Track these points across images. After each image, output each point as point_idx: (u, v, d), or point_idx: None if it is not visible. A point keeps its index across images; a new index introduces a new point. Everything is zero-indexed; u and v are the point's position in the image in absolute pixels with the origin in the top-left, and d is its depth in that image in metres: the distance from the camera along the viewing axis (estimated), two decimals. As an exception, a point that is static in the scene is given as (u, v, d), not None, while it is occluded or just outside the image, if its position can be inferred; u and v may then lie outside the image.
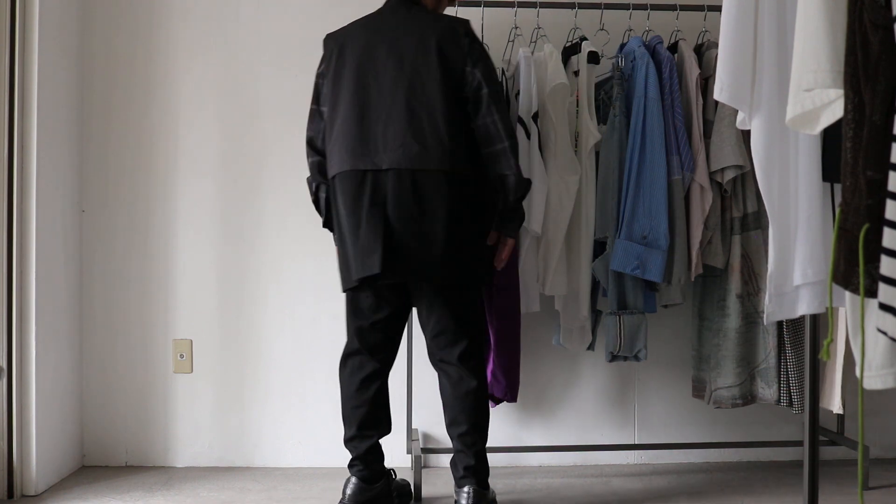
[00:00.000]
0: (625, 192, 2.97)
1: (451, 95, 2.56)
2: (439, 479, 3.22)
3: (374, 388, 2.72)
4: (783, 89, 1.93)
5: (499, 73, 3.08)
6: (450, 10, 3.14)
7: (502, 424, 3.43)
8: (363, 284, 2.58)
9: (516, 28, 3.18)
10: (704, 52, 3.14)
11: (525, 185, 2.63)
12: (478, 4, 3.15)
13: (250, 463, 3.41)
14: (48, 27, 3.05)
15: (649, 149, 2.97)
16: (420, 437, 3.35)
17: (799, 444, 3.02)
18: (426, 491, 3.04)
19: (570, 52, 3.17)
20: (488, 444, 3.37)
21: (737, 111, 2.20)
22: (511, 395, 3.06)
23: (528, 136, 2.98)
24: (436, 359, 2.72)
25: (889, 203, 1.45)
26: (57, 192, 3.16)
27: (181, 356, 3.40)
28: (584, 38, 3.12)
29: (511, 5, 3.14)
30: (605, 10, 3.20)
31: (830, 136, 1.91)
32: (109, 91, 3.40)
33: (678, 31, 3.20)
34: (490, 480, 3.20)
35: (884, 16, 1.49)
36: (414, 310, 3.21)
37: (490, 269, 2.74)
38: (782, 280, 2.10)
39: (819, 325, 2.39)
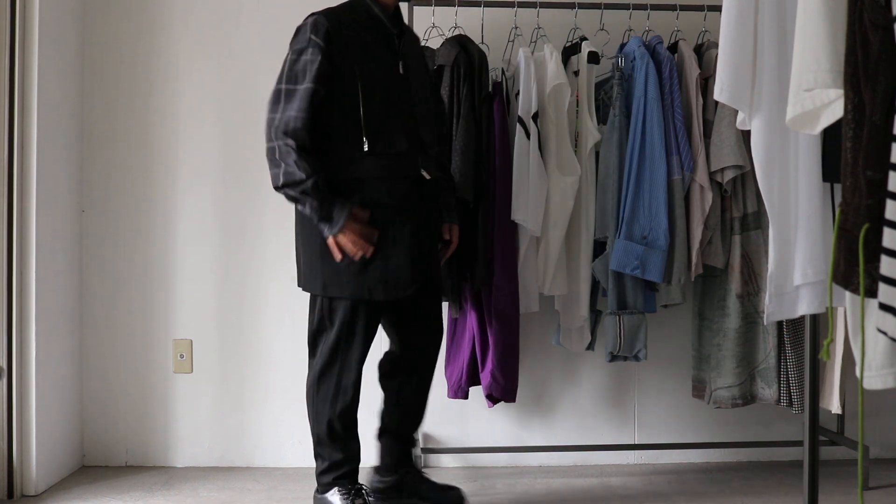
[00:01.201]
0: (625, 192, 2.97)
1: None
2: (439, 478, 3.22)
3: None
4: (783, 89, 1.93)
5: (499, 72, 3.09)
6: (449, 11, 3.15)
7: (502, 424, 3.43)
8: None
9: (516, 28, 3.18)
10: (704, 52, 3.14)
11: (280, 188, 2.51)
12: (478, 4, 3.15)
13: (250, 463, 3.41)
14: (48, 28, 3.05)
15: (649, 149, 2.97)
16: (420, 437, 3.35)
17: (799, 444, 3.02)
18: (426, 491, 3.04)
19: (570, 52, 3.17)
20: (488, 444, 3.39)
21: (737, 111, 2.20)
22: (509, 396, 3.05)
23: (528, 136, 2.98)
24: None
25: (889, 203, 1.45)
26: (57, 192, 3.16)
27: (181, 356, 3.40)
28: (584, 38, 3.12)
29: (511, 5, 3.14)
30: (605, 10, 3.20)
31: (830, 136, 1.91)
32: (110, 91, 3.40)
33: (678, 31, 3.20)
34: (490, 480, 3.22)
35: (884, 16, 1.49)
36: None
37: (320, 277, 2.60)
38: (782, 280, 2.10)
39: (819, 325, 2.39)
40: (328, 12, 2.59)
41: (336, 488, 2.65)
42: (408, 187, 2.61)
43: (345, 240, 2.51)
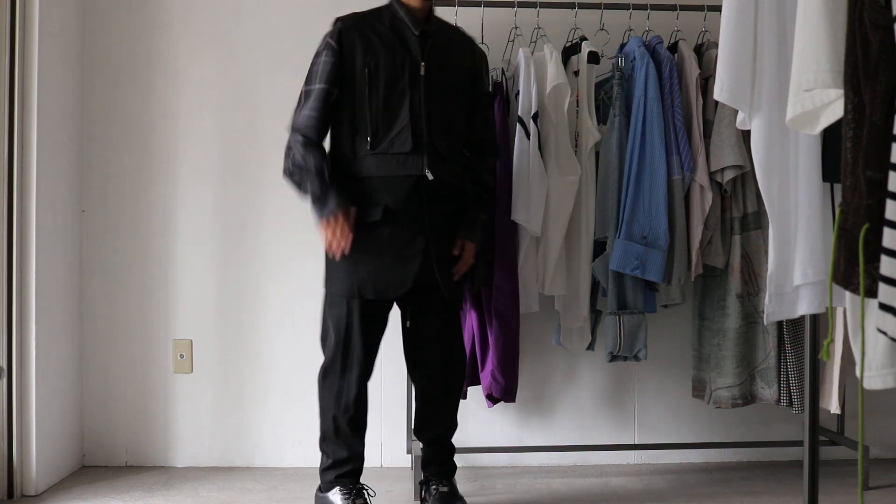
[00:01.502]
0: (625, 192, 2.97)
1: None
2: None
3: None
4: (783, 89, 1.93)
5: (499, 73, 3.09)
6: (449, 11, 3.15)
7: (502, 424, 3.43)
8: None
9: (516, 28, 3.18)
10: (704, 52, 3.13)
11: (288, 172, 2.64)
12: (478, 4, 3.15)
13: (250, 463, 3.41)
14: (48, 28, 3.05)
15: (649, 149, 2.97)
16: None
17: (799, 444, 3.02)
18: (426, 491, 3.04)
19: (570, 52, 3.17)
20: (488, 444, 3.39)
21: (737, 111, 2.20)
22: (509, 396, 3.05)
23: (528, 136, 2.98)
24: None
25: (889, 203, 1.45)
26: (57, 192, 3.16)
27: (181, 356, 3.40)
28: (584, 38, 3.12)
29: (511, 5, 3.14)
30: (605, 10, 3.20)
31: (830, 136, 1.91)
32: (110, 91, 3.40)
33: (678, 31, 3.20)
34: (490, 480, 3.22)
35: (884, 16, 1.49)
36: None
37: (326, 275, 2.71)
38: (782, 280, 2.10)
39: (819, 325, 2.39)
40: (349, 15, 2.69)
41: (338, 487, 2.65)
42: (410, 187, 2.59)
43: (327, 226, 2.55)
